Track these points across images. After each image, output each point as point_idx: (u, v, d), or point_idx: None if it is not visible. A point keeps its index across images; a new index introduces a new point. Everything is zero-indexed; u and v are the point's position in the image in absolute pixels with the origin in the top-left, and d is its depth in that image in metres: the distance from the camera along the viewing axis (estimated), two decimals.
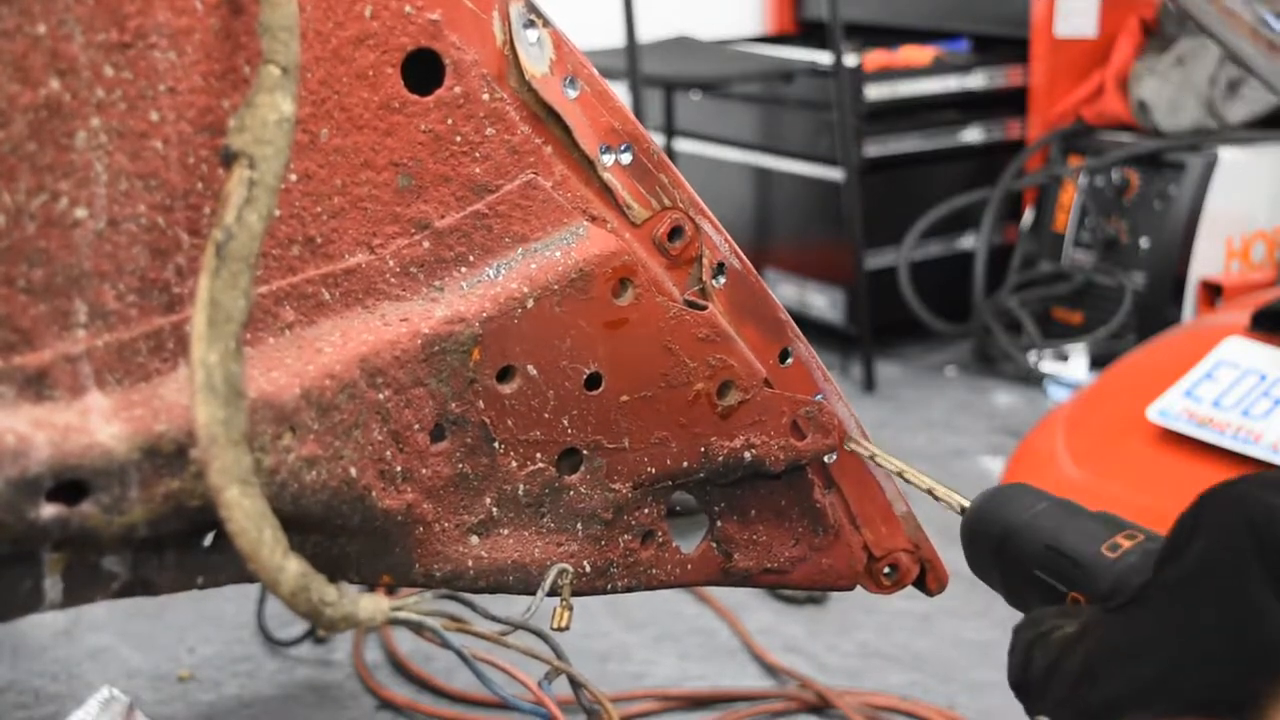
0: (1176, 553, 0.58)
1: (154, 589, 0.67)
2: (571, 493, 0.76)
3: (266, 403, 0.62)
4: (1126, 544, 0.65)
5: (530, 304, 0.71)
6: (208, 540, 0.68)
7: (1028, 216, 2.53)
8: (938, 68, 2.54)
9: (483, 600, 0.77)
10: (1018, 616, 0.69)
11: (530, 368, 0.72)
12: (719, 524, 0.82)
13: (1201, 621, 0.55)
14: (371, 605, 0.60)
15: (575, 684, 0.75)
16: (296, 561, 0.57)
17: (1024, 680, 0.63)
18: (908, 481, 0.77)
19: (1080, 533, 0.66)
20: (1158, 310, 2.27)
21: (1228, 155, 2.27)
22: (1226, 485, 0.58)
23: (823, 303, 2.55)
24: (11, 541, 0.59)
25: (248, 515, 0.56)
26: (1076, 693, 0.59)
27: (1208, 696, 0.54)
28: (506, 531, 0.75)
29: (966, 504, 0.72)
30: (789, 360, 0.79)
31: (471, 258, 0.71)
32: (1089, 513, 0.68)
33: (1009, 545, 0.68)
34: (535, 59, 0.71)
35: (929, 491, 0.75)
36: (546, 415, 0.73)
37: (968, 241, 2.56)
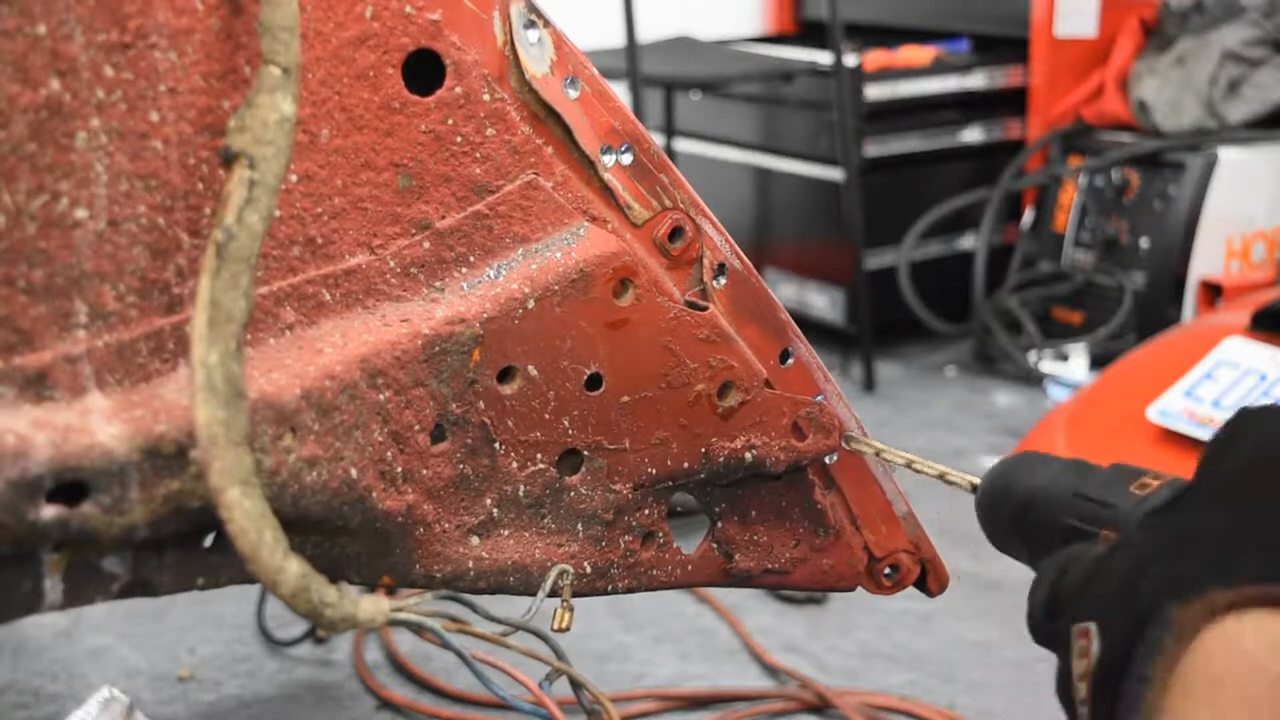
0: (1215, 460, 0.58)
1: (154, 590, 0.67)
2: (572, 493, 0.75)
3: (267, 403, 0.62)
4: (1154, 483, 0.65)
5: (531, 304, 0.71)
6: (208, 541, 0.68)
7: (1028, 216, 2.53)
8: (938, 68, 2.54)
9: (483, 601, 0.77)
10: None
11: (531, 368, 0.72)
12: (720, 525, 0.82)
13: (1260, 509, 0.54)
14: (372, 606, 0.60)
15: (575, 684, 0.75)
16: (297, 562, 0.57)
17: (1053, 599, 0.62)
18: (917, 471, 0.77)
19: (1105, 479, 0.67)
20: (1158, 310, 2.27)
21: (1228, 155, 2.27)
22: (1259, 407, 0.59)
23: (823, 303, 2.55)
24: (12, 542, 0.59)
25: (248, 516, 0.56)
26: (1127, 587, 0.57)
27: (1270, 572, 0.52)
28: (507, 532, 0.74)
29: (977, 482, 0.72)
30: (790, 361, 0.79)
31: (472, 258, 0.71)
32: (1104, 467, 0.69)
33: (1035, 504, 0.68)
34: (536, 59, 0.70)
35: (940, 477, 0.75)
36: (547, 416, 0.73)
37: (968, 241, 2.56)
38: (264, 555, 0.56)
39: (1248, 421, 0.58)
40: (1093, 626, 0.58)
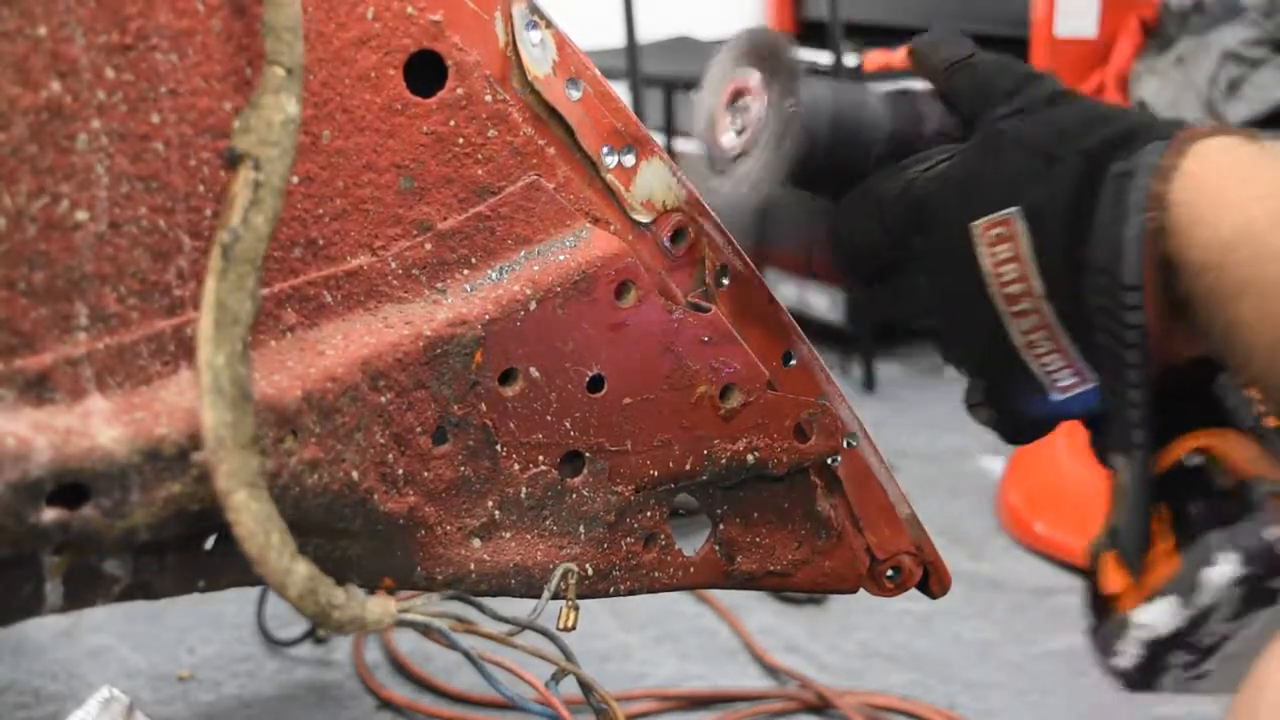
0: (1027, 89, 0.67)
1: (155, 592, 0.67)
2: (574, 495, 0.75)
3: (268, 406, 0.62)
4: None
5: (533, 306, 0.71)
6: (209, 543, 0.68)
7: None
8: None
9: (489, 600, 0.77)
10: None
11: (533, 370, 0.72)
12: (721, 526, 0.82)
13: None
14: (379, 607, 0.60)
15: (584, 686, 0.75)
16: (304, 564, 0.57)
17: (916, 206, 0.68)
18: None
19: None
20: None
21: None
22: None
23: (823, 303, 2.55)
24: (12, 545, 0.59)
25: (255, 519, 0.55)
26: (1066, 144, 0.64)
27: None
28: (508, 534, 0.74)
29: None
30: (793, 362, 0.79)
31: (474, 260, 0.71)
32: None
33: (868, 107, 0.70)
34: (538, 60, 0.70)
35: None
36: (549, 418, 0.73)
37: None
38: (272, 557, 0.56)
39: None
40: (1013, 211, 0.62)
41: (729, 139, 0.70)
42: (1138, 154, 0.59)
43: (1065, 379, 0.64)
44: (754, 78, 0.69)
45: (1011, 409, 0.68)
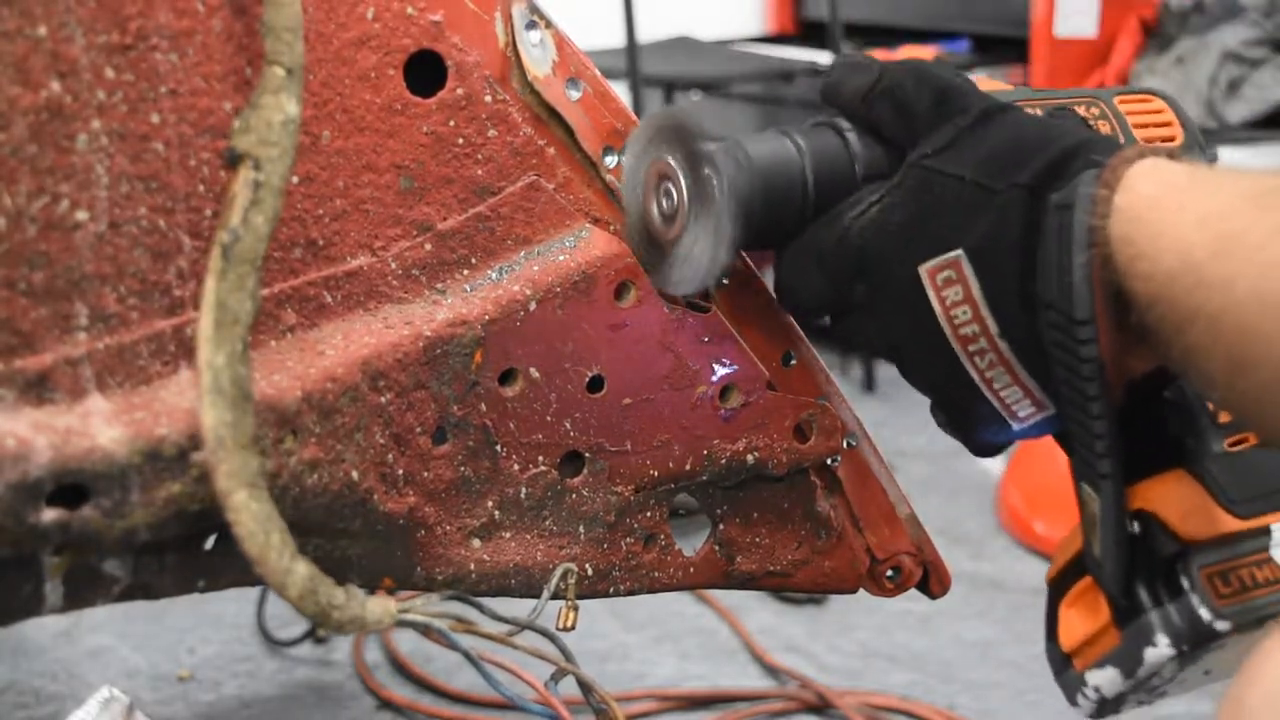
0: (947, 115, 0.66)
1: (155, 592, 0.67)
2: (574, 496, 0.75)
3: (268, 406, 0.62)
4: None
5: (533, 306, 0.71)
6: (209, 543, 0.68)
7: None
8: None
9: (488, 600, 0.77)
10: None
11: (533, 370, 0.72)
12: (721, 526, 0.82)
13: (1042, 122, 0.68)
14: (379, 607, 0.60)
15: (584, 686, 0.75)
16: (304, 564, 0.57)
17: (858, 256, 0.68)
18: None
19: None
20: None
21: (1228, 155, 2.27)
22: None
23: None
24: (12, 545, 0.59)
25: (255, 519, 0.56)
26: (1002, 177, 0.63)
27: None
28: (508, 534, 0.74)
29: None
30: (792, 362, 0.79)
31: (474, 260, 0.71)
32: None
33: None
34: (538, 60, 0.70)
35: None
36: (549, 418, 0.73)
37: None
38: (272, 558, 0.56)
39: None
40: (958, 254, 0.61)
41: (661, 224, 0.70)
42: (1073, 184, 0.59)
43: (1025, 409, 0.64)
44: (670, 159, 0.69)
45: (973, 434, 0.68)
